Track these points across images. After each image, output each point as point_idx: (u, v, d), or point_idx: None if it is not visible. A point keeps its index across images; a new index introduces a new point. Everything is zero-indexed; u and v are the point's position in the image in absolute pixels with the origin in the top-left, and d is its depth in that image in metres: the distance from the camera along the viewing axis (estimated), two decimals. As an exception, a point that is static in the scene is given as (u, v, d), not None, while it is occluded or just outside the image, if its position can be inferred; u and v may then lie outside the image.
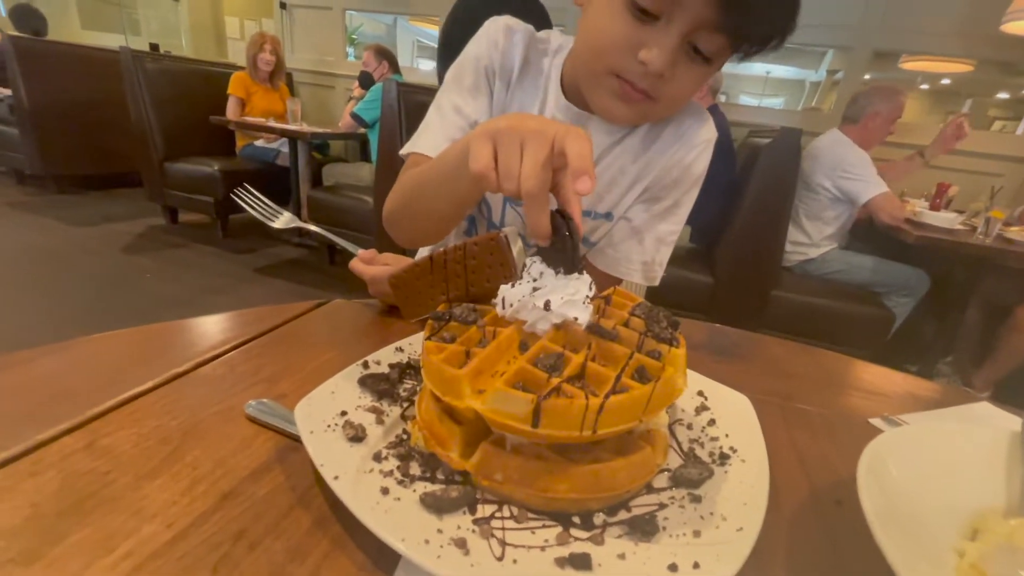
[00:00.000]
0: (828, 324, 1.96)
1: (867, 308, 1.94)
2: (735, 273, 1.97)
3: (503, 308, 0.32)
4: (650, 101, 0.52)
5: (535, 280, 0.31)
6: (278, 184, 2.99)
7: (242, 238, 3.01)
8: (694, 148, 0.61)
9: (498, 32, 0.60)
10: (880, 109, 1.96)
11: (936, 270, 2.03)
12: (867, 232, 2.11)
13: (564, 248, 0.32)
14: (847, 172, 1.94)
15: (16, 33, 3.34)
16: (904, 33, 2.51)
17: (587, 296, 0.32)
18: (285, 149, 2.93)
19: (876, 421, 0.47)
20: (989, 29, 2.19)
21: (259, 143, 3.05)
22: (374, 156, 2.65)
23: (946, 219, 1.91)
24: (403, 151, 0.61)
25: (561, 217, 0.32)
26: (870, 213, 1.96)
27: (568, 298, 0.31)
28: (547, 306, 0.31)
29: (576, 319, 0.31)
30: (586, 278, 0.33)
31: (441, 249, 0.36)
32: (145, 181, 3.03)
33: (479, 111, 0.60)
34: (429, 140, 0.59)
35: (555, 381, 0.27)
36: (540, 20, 1.39)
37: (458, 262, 0.36)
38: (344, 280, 0.59)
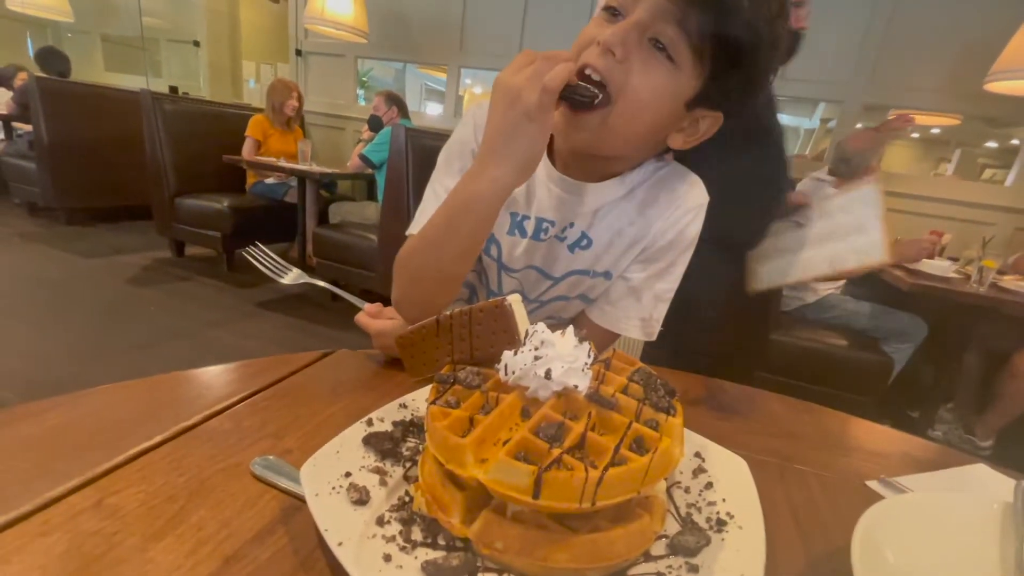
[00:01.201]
0: (827, 369, 1.96)
1: (866, 353, 1.95)
2: (733, 316, 1.98)
3: (506, 374, 0.33)
4: (610, 107, 0.52)
5: (537, 348, 0.33)
6: (285, 220, 3.06)
7: (246, 272, 3.04)
8: (688, 212, 0.64)
9: (482, 117, 0.62)
10: (872, 162, 2.02)
11: (933, 317, 2.04)
12: (865, 279, 2.14)
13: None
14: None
15: (42, 74, 3.50)
16: (892, 89, 2.63)
17: (586, 363, 0.33)
18: (294, 186, 3.01)
19: (873, 484, 0.47)
20: (973, 87, 2.29)
21: (269, 180, 3.15)
22: (380, 196, 2.72)
23: (940, 267, 1.94)
24: (408, 232, 0.64)
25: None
26: None
27: (568, 366, 0.32)
28: (548, 374, 0.32)
29: (576, 387, 0.33)
30: (585, 345, 0.34)
31: (447, 313, 0.38)
32: (155, 215, 3.10)
33: None
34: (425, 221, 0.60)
35: (556, 452, 0.28)
36: None
37: (463, 326, 0.37)
38: (345, 316, 0.60)
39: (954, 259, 2.24)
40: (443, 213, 0.55)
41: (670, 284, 0.66)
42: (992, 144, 5.39)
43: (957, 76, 2.47)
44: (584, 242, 0.65)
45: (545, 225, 0.65)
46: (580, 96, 0.50)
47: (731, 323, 1.99)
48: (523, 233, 0.65)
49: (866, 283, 2.15)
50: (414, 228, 0.63)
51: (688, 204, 0.64)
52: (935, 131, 5.77)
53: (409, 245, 0.60)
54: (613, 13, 0.52)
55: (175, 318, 2.41)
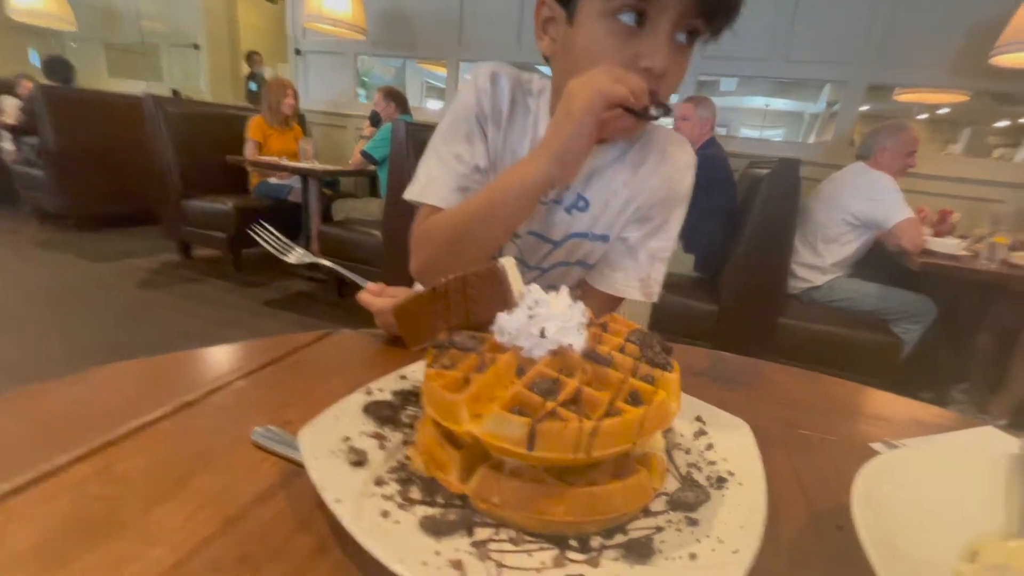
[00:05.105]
0: (836, 352, 1.94)
1: (875, 335, 1.93)
2: (740, 301, 1.97)
3: (501, 335, 0.33)
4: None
5: (531, 308, 0.33)
6: (290, 219, 3.08)
7: (254, 272, 3.07)
8: (678, 169, 0.67)
9: (485, 80, 0.66)
10: (886, 144, 2.00)
11: (943, 296, 2.01)
12: (872, 259, 2.12)
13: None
14: (875, 197, 1.95)
15: (47, 82, 3.54)
16: (897, 67, 2.59)
17: (581, 322, 0.33)
18: (298, 185, 3.03)
19: (877, 445, 0.46)
20: (980, 62, 2.25)
21: (272, 180, 3.16)
22: (383, 191, 2.73)
23: (950, 245, 1.92)
24: (411, 197, 0.65)
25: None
26: (893, 238, 1.94)
27: (562, 324, 0.32)
28: (543, 333, 0.32)
29: (571, 345, 0.33)
30: (579, 305, 0.34)
31: (442, 280, 0.38)
32: (162, 218, 3.14)
33: (477, 155, 0.66)
34: (438, 191, 0.64)
35: (550, 405, 0.28)
36: None
37: (458, 292, 0.37)
38: (352, 312, 0.60)
39: (964, 237, 2.21)
40: (487, 195, 0.58)
41: (665, 243, 0.68)
42: (1003, 123, 5.29)
43: (963, 52, 2.43)
44: (581, 203, 0.67)
45: None
46: (654, 115, 0.54)
47: (738, 308, 1.98)
48: None
49: (874, 264, 2.13)
50: (428, 195, 0.65)
51: (677, 162, 0.66)
52: (943, 111, 5.68)
53: (446, 218, 0.62)
54: (638, 14, 0.52)
55: (185, 320, 2.43)
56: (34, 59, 4.91)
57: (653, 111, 0.52)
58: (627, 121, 0.53)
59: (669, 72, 0.53)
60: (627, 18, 0.52)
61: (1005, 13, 2.03)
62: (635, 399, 0.31)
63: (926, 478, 0.33)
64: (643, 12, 0.51)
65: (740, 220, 2.02)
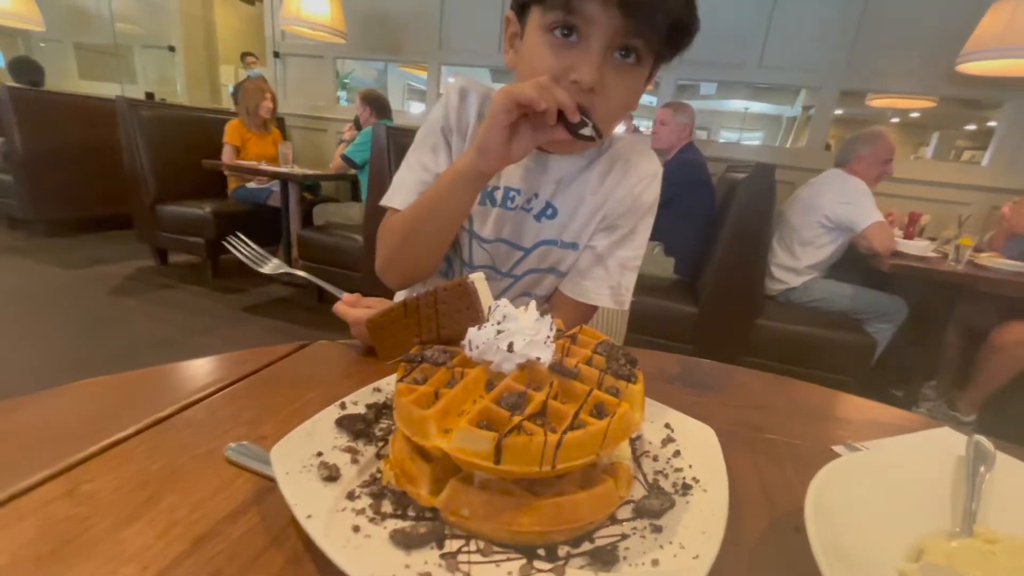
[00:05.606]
0: (812, 351, 1.99)
1: (849, 334, 1.98)
2: (718, 303, 2.01)
3: (470, 350, 0.34)
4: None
5: (499, 323, 0.34)
6: (269, 224, 3.04)
7: (232, 278, 3.02)
8: (642, 180, 0.69)
9: (455, 95, 0.69)
10: (863, 153, 2.06)
11: (913, 296, 2.08)
12: (847, 261, 2.17)
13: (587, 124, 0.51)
14: (847, 201, 2.01)
15: (14, 84, 3.43)
16: (867, 74, 2.67)
17: (548, 336, 0.34)
18: (277, 189, 2.99)
19: (839, 448, 0.48)
20: (946, 69, 2.33)
21: (251, 185, 3.12)
22: (364, 196, 2.72)
23: (919, 247, 1.98)
24: (383, 202, 0.69)
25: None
26: (864, 241, 1.99)
27: (530, 339, 0.33)
28: (511, 348, 0.33)
29: (539, 359, 0.33)
30: (547, 319, 0.35)
31: (414, 295, 0.39)
32: (136, 223, 3.07)
33: (439, 164, 0.70)
34: (402, 195, 0.68)
35: (516, 419, 0.29)
36: None
37: (429, 306, 0.38)
38: (332, 318, 0.60)
39: (933, 239, 2.29)
40: (431, 190, 0.62)
41: (634, 252, 0.70)
42: (971, 127, 5.49)
43: (930, 58, 2.51)
44: (549, 211, 0.69)
45: (512, 194, 0.69)
46: (586, 135, 0.54)
47: (717, 310, 2.02)
48: (493, 202, 0.70)
49: (848, 266, 2.19)
50: (394, 200, 0.69)
51: (641, 172, 0.69)
52: (914, 115, 5.86)
53: (400, 215, 0.66)
54: (565, 30, 0.54)
55: (161, 327, 2.38)
56: (3, 61, 4.76)
57: (586, 131, 0.53)
58: (561, 134, 0.54)
59: (605, 89, 0.55)
60: (560, 32, 0.54)
61: (969, 23, 2.11)
62: (599, 411, 0.32)
63: (878, 482, 0.34)
64: (575, 27, 0.54)
65: (718, 224, 2.06)
